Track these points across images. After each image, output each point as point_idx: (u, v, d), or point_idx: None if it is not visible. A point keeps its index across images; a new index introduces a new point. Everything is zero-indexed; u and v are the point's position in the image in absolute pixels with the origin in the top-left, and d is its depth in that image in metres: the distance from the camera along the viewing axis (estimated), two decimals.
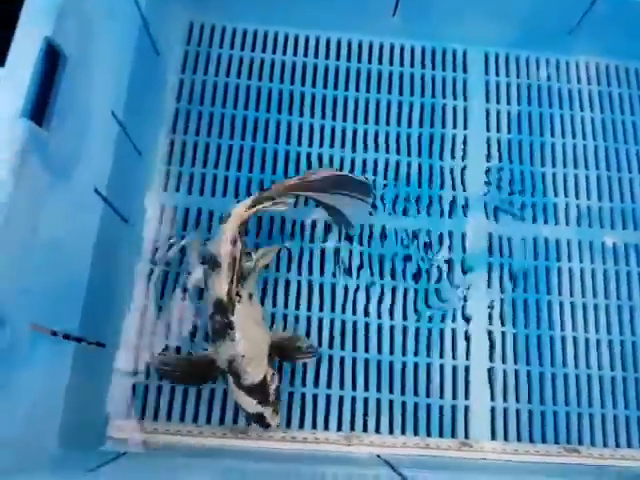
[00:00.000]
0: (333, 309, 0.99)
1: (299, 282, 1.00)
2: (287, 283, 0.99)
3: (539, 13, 1.11)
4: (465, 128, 1.11)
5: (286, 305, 0.98)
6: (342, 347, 0.97)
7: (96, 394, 0.89)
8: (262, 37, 1.14)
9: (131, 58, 0.94)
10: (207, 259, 0.87)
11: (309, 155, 1.07)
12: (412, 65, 1.15)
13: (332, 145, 1.08)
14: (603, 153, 1.11)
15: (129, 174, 0.95)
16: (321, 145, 1.08)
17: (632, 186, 1.09)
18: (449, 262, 1.03)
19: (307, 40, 1.15)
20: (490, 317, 1.00)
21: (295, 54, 1.14)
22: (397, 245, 1.04)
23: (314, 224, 1.03)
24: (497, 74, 1.15)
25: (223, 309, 0.82)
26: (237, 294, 0.84)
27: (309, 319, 0.98)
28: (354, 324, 0.98)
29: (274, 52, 1.13)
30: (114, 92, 0.89)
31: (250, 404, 0.82)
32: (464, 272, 1.03)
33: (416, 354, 0.97)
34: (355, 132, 1.10)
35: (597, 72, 1.17)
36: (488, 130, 1.11)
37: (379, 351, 0.97)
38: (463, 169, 1.09)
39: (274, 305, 0.98)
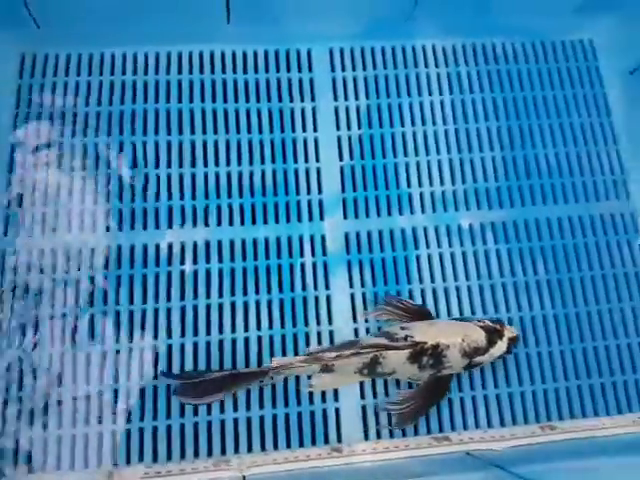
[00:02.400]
0: (196, 332, 0.97)
1: (168, 309, 0.98)
2: (156, 311, 0.97)
3: (376, 1, 1.11)
4: (315, 130, 1.10)
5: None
6: (208, 366, 0.95)
7: None
8: (98, 60, 1.10)
9: None
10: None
11: (158, 177, 1.05)
12: (256, 71, 1.13)
13: (181, 164, 1.06)
14: (453, 136, 1.11)
15: None
16: (169, 165, 1.06)
17: (484, 165, 1.10)
18: (313, 267, 1.02)
19: (146, 57, 1.11)
20: (354, 315, 1.00)
21: (135, 72, 1.10)
22: (258, 256, 1.02)
23: (170, 247, 1.01)
24: (343, 69, 1.14)
25: (419, 352, 0.91)
26: (404, 338, 0.92)
27: (170, 347, 0.96)
28: (220, 343, 0.97)
29: (112, 73, 1.10)
30: None
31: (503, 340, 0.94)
32: (326, 275, 1.02)
33: None
34: (205, 145, 1.08)
35: (444, 54, 1.17)
36: (338, 129, 1.10)
37: (246, 365, 0.96)
38: (318, 171, 1.08)
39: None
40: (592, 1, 1.15)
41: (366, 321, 1.00)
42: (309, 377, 0.94)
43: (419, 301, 1.01)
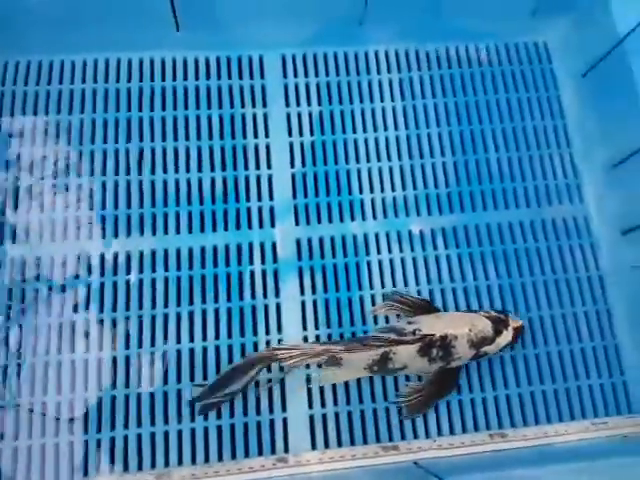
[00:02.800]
0: (140, 344, 0.96)
1: (113, 320, 0.96)
2: (101, 322, 0.96)
3: (328, 6, 1.10)
4: (267, 136, 1.09)
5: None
6: (152, 383, 0.94)
7: None
8: (47, 67, 1.09)
9: None
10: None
11: (104, 183, 1.03)
12: (207, 77, 1.12)
13: (128, 172, 1.05)
14: (405, 142, 1.11)
15: None
16: (116, 173, 1.04)
17: (435, 170, 1.09)
18: (262, 274, 1.01)
19: (96, 64, 1.10)
20: (304, 322, 0.99)
21: (84, 80, 1.09)
22: (206, 264, 1.01)
23: (116, 256, 1.00)
24: (295, 75, 1.13)
25: (428, 345, 0.90)
26: (412, 332, 0.91)
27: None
28: (164, 354, 0.95)
29: (61, 81, 1.09)
30: None
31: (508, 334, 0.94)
32: (276, 282, 1.01)
33: None
34: (153, 153, 1.06)
35: (396, 59, 1.16)
36: (290, 135, 1.09)
37: (192, 379, 0.94)
38: (269, 178, 1.07)
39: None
40: (545, 4, 1.14)
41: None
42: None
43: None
